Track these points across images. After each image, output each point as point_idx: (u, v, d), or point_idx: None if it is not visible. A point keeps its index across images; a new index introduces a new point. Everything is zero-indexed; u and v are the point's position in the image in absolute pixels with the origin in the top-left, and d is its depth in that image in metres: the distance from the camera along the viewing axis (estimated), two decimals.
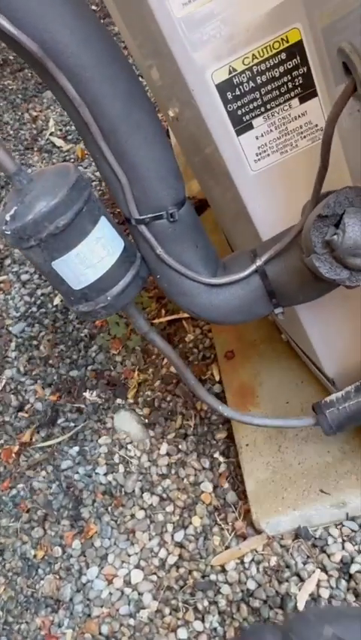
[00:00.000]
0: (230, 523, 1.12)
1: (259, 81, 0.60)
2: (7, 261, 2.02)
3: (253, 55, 0.58)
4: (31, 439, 1.47)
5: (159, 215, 0.65)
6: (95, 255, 0.64)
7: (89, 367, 1.55)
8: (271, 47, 0.57)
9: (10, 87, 3.09)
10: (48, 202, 0.59)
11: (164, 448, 1.29)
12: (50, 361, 1.61)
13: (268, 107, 0.62)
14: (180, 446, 1.28)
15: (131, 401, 1.42)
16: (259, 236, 0.74)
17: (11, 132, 2.69)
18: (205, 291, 0.69)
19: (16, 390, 1.60)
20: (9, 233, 0.60)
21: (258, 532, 1.06)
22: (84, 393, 1.49)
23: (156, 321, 1.56)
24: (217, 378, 1.35)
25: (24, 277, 1.92)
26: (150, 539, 1.17)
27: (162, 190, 0.64)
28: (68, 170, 0.62)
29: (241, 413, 0.86)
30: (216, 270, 0.71)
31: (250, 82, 0.60)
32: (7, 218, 0.60)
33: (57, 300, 1.79)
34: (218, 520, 1.13)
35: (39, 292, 1.85)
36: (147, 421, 1.36)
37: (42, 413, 1.51)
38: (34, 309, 1.82)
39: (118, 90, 0.59)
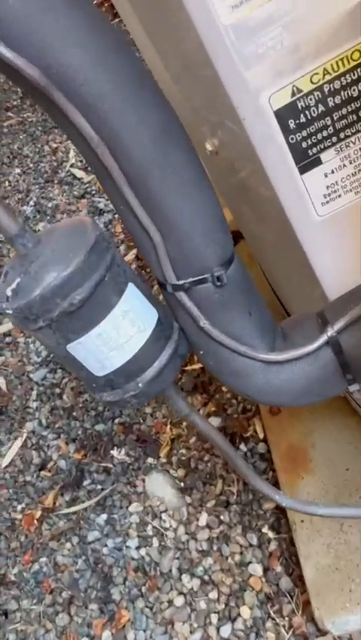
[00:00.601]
0: (286, 618, 0.95)
1: (331, 104, 0.45)
2: None
3: (325, 70, 0.43)
4: (54, 503, 1.32)
5: (203, 278, 0.51)
6: (121, 334, 0.49)
7: (116, 420, 1.41)
8: (350, 59, 0.43)
9: (29, 119, 3.04)
10: (60, 272, 0.45)
11: (203, 518, 1.13)
12: (74, 413, 1.48)
13: (342, 136, 0.48)
14: (221, 517, 1.12)
15: (163, 460, 1.27)
16: (324, 295, 0.59)
17: (31, 165, 2.62)
18: (262, 370, 0.54)
19: (38, 446, 1.46)
20: (11, 312, 0.46)
21: (322, 632, 0.89)
22: (111, 451, 1.34)
23: (189, 367, 1.41)
24: (261, 435, 1.19)
25: None
26: (191, 632, 1.00)
27: (205, 247, 0.50)
28: (84, 228, 0.49)
29: (302, 502, 0.71)
30: (274, 341, 0.56)
31: (320, 105, 0.45)
32: (9, 293, 0.46)
33: None
34: (271, 612, 0.96)
35: None
36: (182, 484, 1.21)
37: (66, 472, 1.37)
38: None
39: (147, 123, 0.45)
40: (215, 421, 1.26)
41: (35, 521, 1.31)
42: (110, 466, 1.32)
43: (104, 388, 0.53)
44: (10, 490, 1.39)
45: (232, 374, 0.55)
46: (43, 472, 1.40)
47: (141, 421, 1.38)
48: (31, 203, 2.37)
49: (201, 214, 0.49)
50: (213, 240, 0.50)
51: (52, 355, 1.67)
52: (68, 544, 1.22)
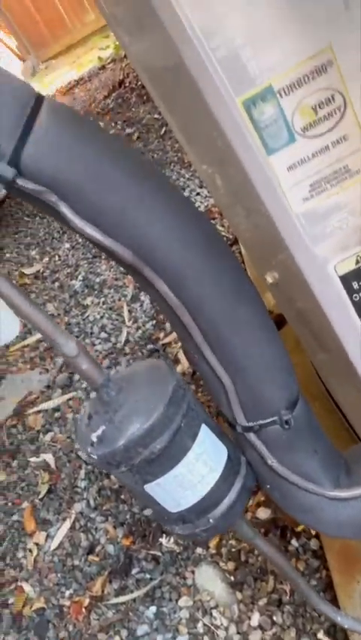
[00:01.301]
0: None
1: None
2: (77, 376, 1.97)
3: None
4: (102, 590, 1.32)
5: (271, 421, 0.54)
6: (195, 475, 0.53)
7: None
8: None
9: None
10: (142, 424, 0.49)
11: (255, 618, 1.11)
12: (122, 496, 1.49)
13: None
14: (274, 617, 1.09)
15: (213, 552, 1.26)
16: None
17: (80, 240, 2.75)
18: (328, 505, 0.56)
19: (86, 528, 1.48)
20: (96, 458, 0.50)
21: None
22: (160, 539, 1.34)
23: None
24: (313, 530, 1.18)
25: (94, 394, 1.84)
26: None
27: (273, 392, 0.54)
28: (162, 377, 0.53)
29: None
30: (339, 477, 0.58)
31: None
32: (94, 439, 0.51)
33: None
34: None
35: None
36: (232, 579, 1.19)
37: (114, 558, 1.37)
38: None
39: (223, 287, 0.50)
40: (265, 512, 1.26)
41: (84, 609, 1.31)
42: (159, 554, 1.32)
43: (177, 522, 0.56)
44: (59, 575, 1.40)
45: (298, 508, 0.57)
46: (91, 557, 1.41)
47: None
48: (80, 277, 2.48)
49: (269, 361, 0.53)
50: (281, 385, 0.54)
51: None
52: (117, 638, 1.21)
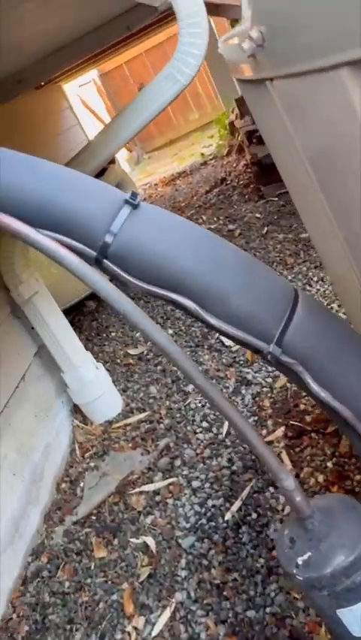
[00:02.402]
0: None
1: None
2: (177, 462, 2.07)
3: None
4: None
5: None
6: None
7: (268, 609, 1.44)
8: None
9: None
10: (346, 557, 0.59)
11: None
12: (225, 592, 1.53)
13: None
14: None
15: None
16: None
17: (183, 328, 2.94)
18: None
19: (186, 620, 1.52)
20: (301, 579, 0.60)
21: None
22: None
23: None
24: None
25: (195, 484, 1.93)
26: None
27: None
28: (357, 514, 0.63)
29: None
30: None
31: None
32: (300, 562, 0.61)
33: (228, 516, 1.76)
34: None
35: (210, 503, 1.84)
36: None
37: None
38: (203, 520, 1.79)
39: None
40: None
41: None
42: None
43: None
44: None
45: None
46: None
47: (293, 616, 1.40)
48: None
49: None
50: None
51: (200, 523, 1.78)
52: None
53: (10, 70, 1.85)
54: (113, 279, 0.65)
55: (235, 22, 5.26)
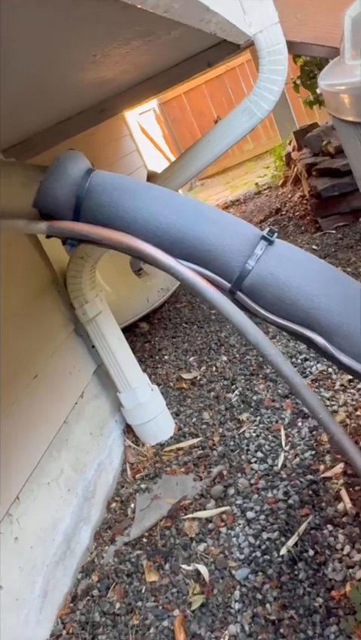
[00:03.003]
0: None
1: None
2: (231, 491, 2.06)
3: None
4: None
5: None
6: None
7: None
8: None
9: None
10: None
11: None
12: (281, 629, 1.50)
13: None
14: None
15: None
16: None
17: (237, 355, 2.94)
18: None
19: None
20: None
21: None
22: None
23: None
24: None
25: (249, 514, 1.91)
26: None
27: None
28: None
29: None
30: None
31: None
32: None
33: (284, 550, 1.73)
34: None
35: (265, 535, 1.81)
36: None
37: None
38: (258, 553, 1.77)
39: None
40: None
41: None
42: None
43: None
44: None
45: None
46: None
47: None
48: (237, 392, 2.63)
49: None
50: None
51: (254, 555, 1.75)
52: None
53: (96, 100, 1.94)
54: (243, 310, 0.67)
55: (296, 57, 5.36)
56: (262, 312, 0.63)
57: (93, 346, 2.46)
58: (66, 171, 0.58)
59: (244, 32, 1.61)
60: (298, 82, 4.96)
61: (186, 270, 0.58)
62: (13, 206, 0.61)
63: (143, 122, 7.65)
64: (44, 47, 0.86)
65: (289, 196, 5.38)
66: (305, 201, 4.74)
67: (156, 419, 2.49)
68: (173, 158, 8.53)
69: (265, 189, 6.34)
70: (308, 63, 4.85)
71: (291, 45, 2.11)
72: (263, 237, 0.61)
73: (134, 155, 6.09)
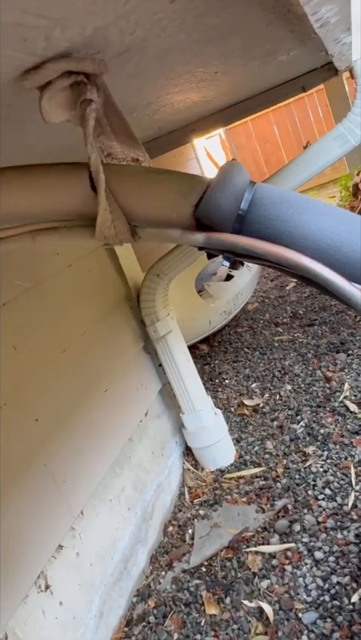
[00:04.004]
0: None
1: None
2: (297, 527, 1.97)
3: None
4: None
5: None
6: None
7: None
8: None
9: (299, 340, 3.39)
10: None
11: None
12: None
13: None
14: None
15: None
16: None
17: (302, 385, 2.86)
18: None
19: None
20: None
21: None
22: None
23: None
24: None
25: (318, 555, 1.81)
26: None
27: None
28: None
29: None
30: None
31: None
32: None
33: (355, 597, 1.63)
34: None
35: (334, 579, 1.71)
36: None
37: None
38: (326, 597, 1.67)
39: None
40: None
41: None
42: None
43: None
44: None
45: None
46: None
47: None
48: (302, 423, 2.54)
49: None
50: None
51: (322, 599, 1.66)
52: None
53: (190, 120, 1.96)
54: None
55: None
56: None
57: (160, 365, 2.44)
58: (232, 182, 0.56)
59: (350, 57, 1.58)
60: None
61: (359, 293, 0.54)
62: (168, 214, 0.60)
63: (209, 147, 7.73)
64: (181, 61, 0.86)
65: None
66: None
67: (217, 444, 2.43)
68: None
69: None
70: None
71: None
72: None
73: None
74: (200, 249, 0.61)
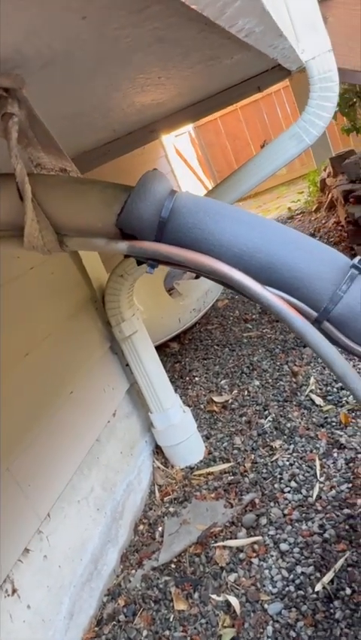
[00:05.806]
0: None
1: None
2: (263, 520, 2.00)
3: None
4: None
5: None
6: None
7: None
8: None
9: (268, 335, 3.44)
10: None
11: None
12: None
13: None
14: None
15: None
16: None
17: (270, 380, 2.90)
18: None
19: None
20: None
21: None
22: None
23: None
24: None
25: (283, 547, 1.85)
26: None
27: None
28: None
29: None
30: None
31: None
32: None
33: (319, 587, 1.67)
34: None
35: (299, 570, 1.75)
36: None
37: None
38: (291, 588, 1.71)
39: None
40: None
41: None
42: None
43: None
44: None
45: None
46: None
47: None
48: (270, 418, 2.58)
49: None
50: None
51: (288, 590, 1.69)
52: None
53: (147, 121, 1.97)
54: (328, 339, 0.65)
55: None
56: (349, 343, 0.60)
57: (127, 365, 2.45)
58: (152, 191, 0.58)
59: (298, 58, 1.61)
60: (336, 109, 4.96)
61: (273, 297, 0.57)
62: (93, 224, 0.61)
63: (178, 145, 7.75)
64: (116, 69, 0.87)
65: (323, 222, 5.36)
66: (340, 227, 4.71)
67: (186, 442, 2.46)
68: (206, 181, 8.60)
69: (297, 214, 6.33)
70: (347, 91, 4.85)
71: (341, 73, 2.11)
72: (353, 266, 0.59)
73: (168, 177, 6.16)
74: (126, 256, 0.63)
